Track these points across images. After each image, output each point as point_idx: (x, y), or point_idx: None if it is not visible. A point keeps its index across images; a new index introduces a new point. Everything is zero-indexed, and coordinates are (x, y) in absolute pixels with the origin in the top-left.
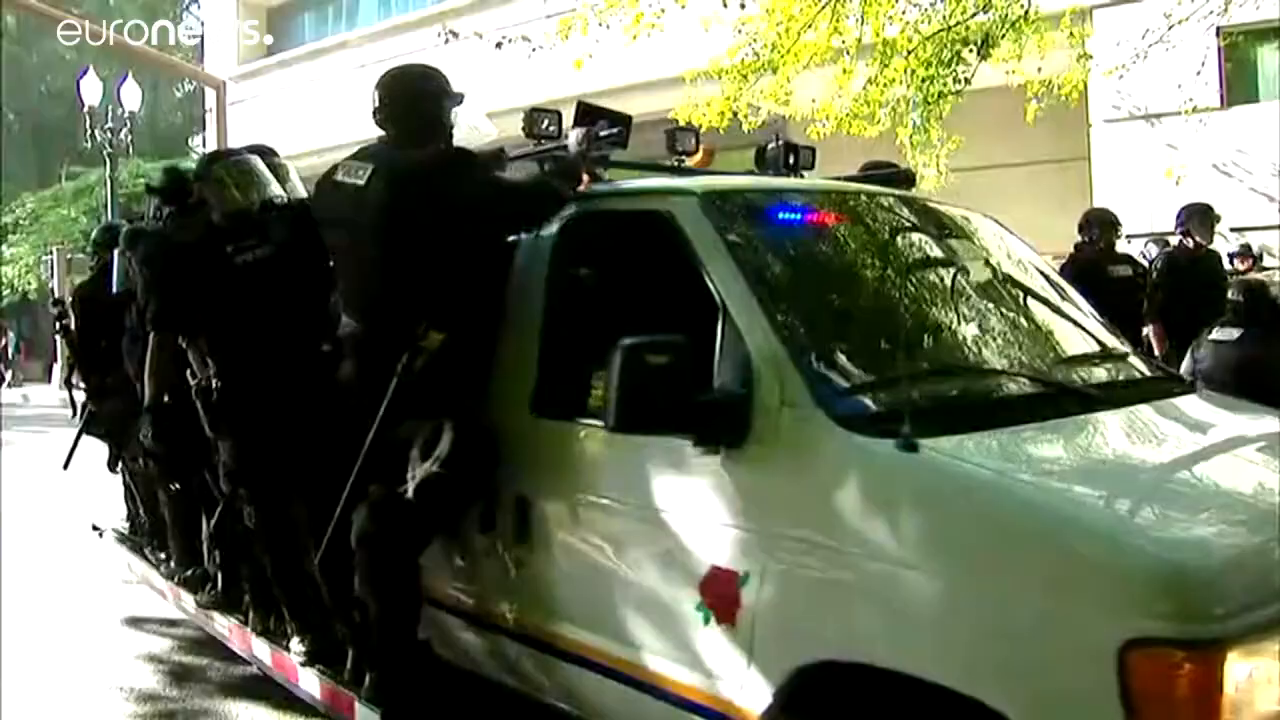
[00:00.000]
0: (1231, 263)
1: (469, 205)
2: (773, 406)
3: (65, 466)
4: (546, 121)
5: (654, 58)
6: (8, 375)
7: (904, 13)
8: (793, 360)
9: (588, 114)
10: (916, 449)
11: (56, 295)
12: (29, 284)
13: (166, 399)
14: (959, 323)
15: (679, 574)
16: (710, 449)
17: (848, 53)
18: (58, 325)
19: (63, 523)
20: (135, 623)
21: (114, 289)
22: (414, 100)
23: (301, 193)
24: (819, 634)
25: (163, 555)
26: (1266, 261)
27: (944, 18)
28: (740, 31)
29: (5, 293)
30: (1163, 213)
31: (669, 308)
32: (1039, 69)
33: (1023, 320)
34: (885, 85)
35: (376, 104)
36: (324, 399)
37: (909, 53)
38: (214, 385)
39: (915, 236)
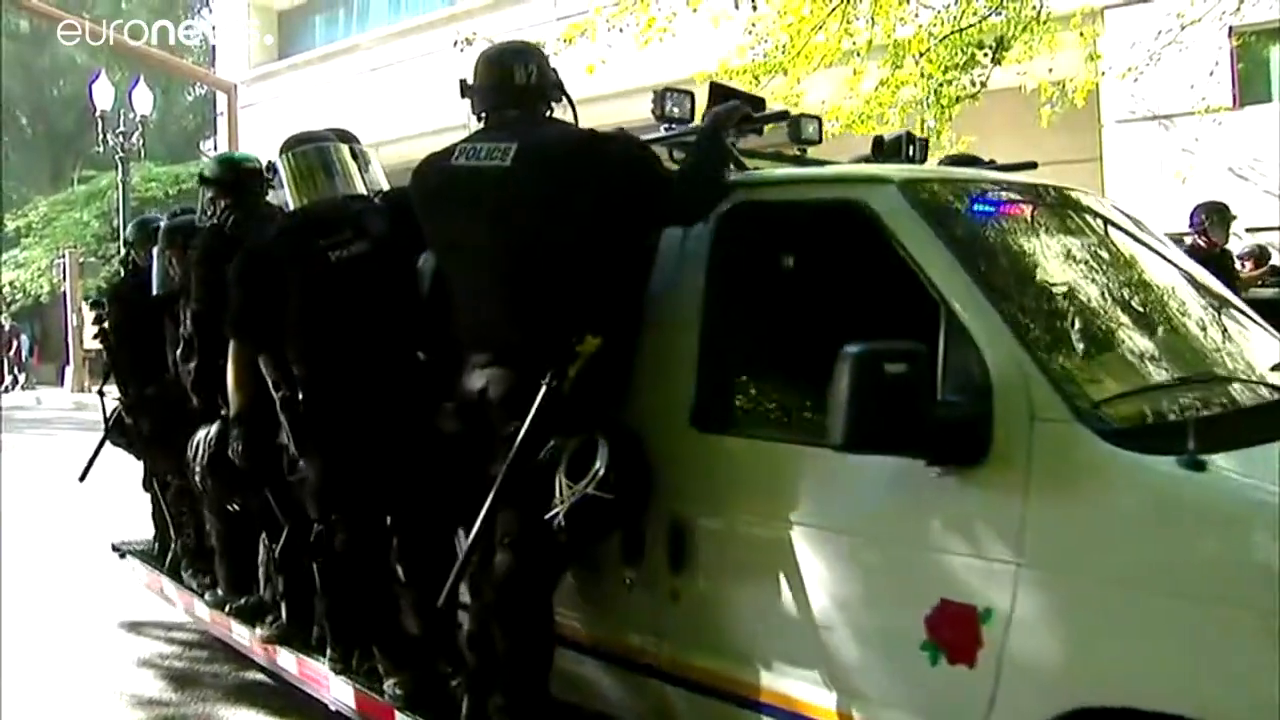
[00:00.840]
0: (1242, 264)
1: (635, 192)
2: (1019, 420)
3: (81, 479)
4: (671, 103)
5: (664, 61)
6: (20, 378)
7: (916, 15)
8: (1040, 368)
9: (722, 97)
10: (1204, 467)
11: (94, 297)
12: (41, 288)
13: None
14: (1181, 325)
15: (899, 609)
16: (945, 469)
17: (858, 54)
18: (98, 330)
19: (64, 520)
20: (138, 627)
21: (155, 290)
22: (548, 79)
23: (383, 182)
24: (1086, 676)
25: (207, 580)
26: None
27: (955, 19)
28: (750, 33)
29: (18, 296)
30: (1175, 213)
31: (859, 308)
32: (1050, 69)
33: (1223, 323)
34: (896, 87)
35: (501, 79)
36: (431, 411)
37: (921, 55)
38: (301, 397)
39: (1108, 232)
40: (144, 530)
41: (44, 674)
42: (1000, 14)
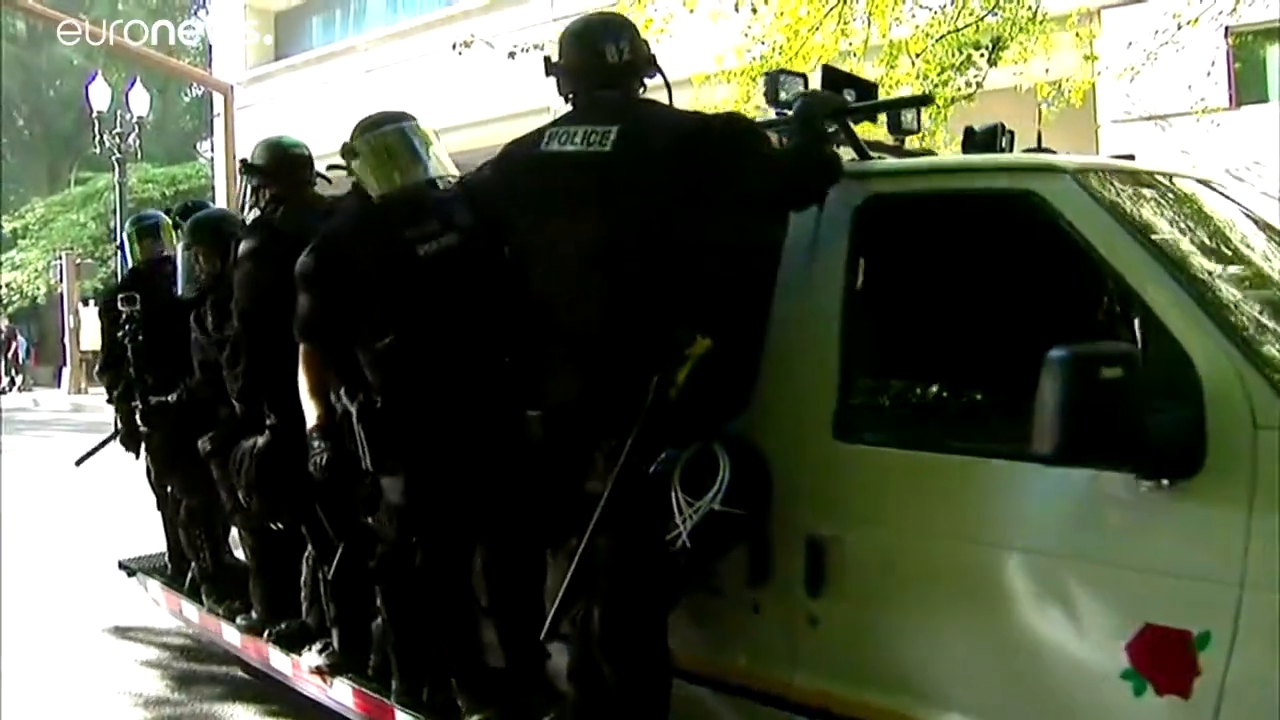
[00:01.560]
0: None
1: (746, 176)
2: (1240, 428)
3: (78, 464)
4: (783, 87)
5: (661, 61)
6: (18, 380)
7: (913, 15)
8: (1258, 371)
9: (834, 81)
10: None
11: (124, 291)
12: (38, 289)
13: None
14: None
15: (1094, 635)
16: (1152, 481)
17: (854, 54)
18: (125, 330)
19: (63, 521)
20: (138, 628)
21: (180, 288)
22: (640, 54)
23: (453, 169)
24: None
25: (237, 605)
26: None
27: (951, 19)
28: (747, 34)
29: (15, 298)
30: None
31: (1026, 306)
32: (1046, 70)
33: None
34: (892, 87)
35: (591, 57)
36: (519, 420)
37: (918, 55)
38: (380, 406)
39: (1250, 221)
40: (144, 536)
41: (44, 674)
42: (996, 14)
